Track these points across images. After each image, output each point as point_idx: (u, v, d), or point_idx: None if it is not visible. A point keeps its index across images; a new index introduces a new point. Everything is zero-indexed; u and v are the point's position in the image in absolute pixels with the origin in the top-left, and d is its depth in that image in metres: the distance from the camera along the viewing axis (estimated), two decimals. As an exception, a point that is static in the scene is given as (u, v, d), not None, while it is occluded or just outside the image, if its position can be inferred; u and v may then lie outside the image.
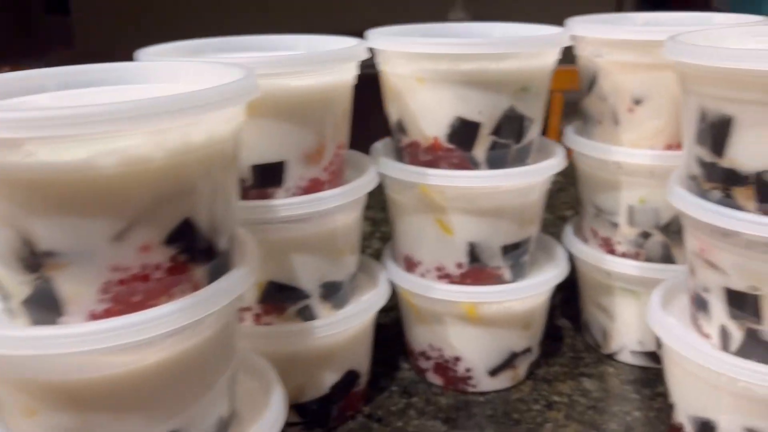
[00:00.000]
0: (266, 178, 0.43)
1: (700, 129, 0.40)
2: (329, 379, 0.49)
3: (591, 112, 0.55)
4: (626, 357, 0.58)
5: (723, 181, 0.39)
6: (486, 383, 0.54)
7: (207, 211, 0.31)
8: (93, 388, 0.29)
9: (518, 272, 0.53)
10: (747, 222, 0.38)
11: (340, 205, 0.45)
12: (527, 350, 0.55)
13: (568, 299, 0.67)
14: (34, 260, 0.28)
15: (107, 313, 0.29)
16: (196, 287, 0.31)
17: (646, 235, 0.54)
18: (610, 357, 0.59)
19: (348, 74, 0.46)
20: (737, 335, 0.41)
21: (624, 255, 0.55)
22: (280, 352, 0.47)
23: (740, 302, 0.41)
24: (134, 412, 0.30)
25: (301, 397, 0.49)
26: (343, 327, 0.47)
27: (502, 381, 0.55)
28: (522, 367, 0.55)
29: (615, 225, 0.55)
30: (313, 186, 0.45)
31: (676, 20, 0.58)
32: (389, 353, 0.60)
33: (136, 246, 0.28)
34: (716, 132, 0.38)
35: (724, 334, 0.42)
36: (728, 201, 0.39)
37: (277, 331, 0.46)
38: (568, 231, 0.61)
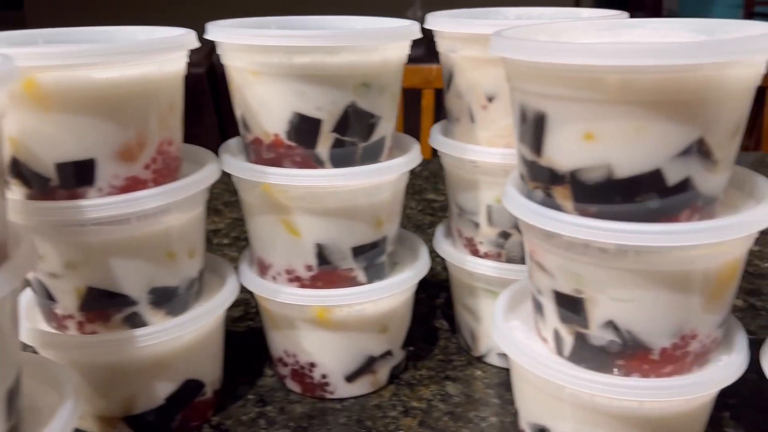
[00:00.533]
0: (73, 177, 0.40)
1: (521, 126, 0.38)
2: (163, 389, 0.46)
3: (451, 109, 0.53)
4: (494, 359, 0.56)
5: (544, 181, 0.38)
6: (344, 389, 0.52)
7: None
8: None
9: (375, 274, 0.51)
10: (563, 223, 0.36)
11: (166, 206, 0.43)
12: (387, 354, 0.53)
13: (450, 300, 0.65)
14: None
15: None
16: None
17: (505, 235, 0.53)
18: (480, 359, 0.57)
19: (174, 66, 0.43)
20: (568, 340, 0.40)
21: (486, 255, 0.54)
22: (104, 362, 0.44)
23: (568, 306, 0.39)
24: None
25: (133, 408, 0.46)
26: (172, 335, 0.44)
27: (361, 387, 0.53)
28: (382, 372, 0.54)
29: (476, 225, 0.54)
30: (132, 185, 0.42)
31: (546, 15, 0.57)
32: (255, 360, 0.58)
33: None
34: (534, 129, 0.37)
35: (558, 339, 0.41)
36: (549, 201, 0.38)
37: (96, 340, 0.43)
38: (439, 231, 0.59)
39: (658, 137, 0.33)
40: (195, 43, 0.44)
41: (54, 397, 0.38)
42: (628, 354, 0.38)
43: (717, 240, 0.34)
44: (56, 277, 0.43)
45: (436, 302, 0.68)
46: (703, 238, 0.34)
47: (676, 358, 0.38)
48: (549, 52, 0.33)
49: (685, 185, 0.35)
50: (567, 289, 0.39)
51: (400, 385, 0.55)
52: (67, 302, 0.43)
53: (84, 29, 0.49)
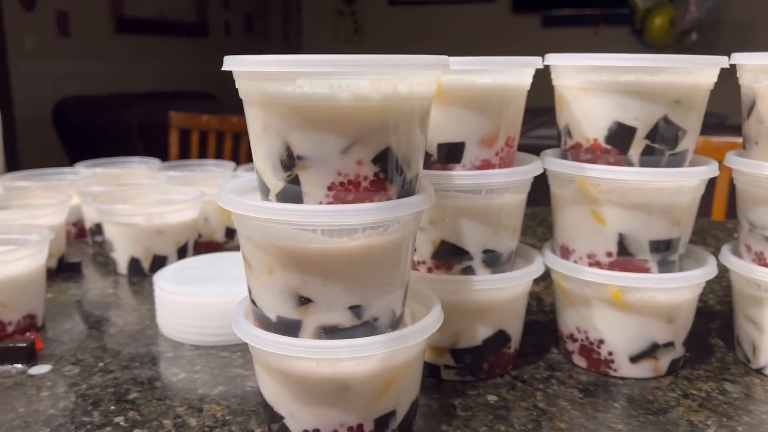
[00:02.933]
0: (449, 154, 0.55)
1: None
2: (482, 332, 0.58)
3: (749, 134, 0.60)
4: (775, 372, 0.59)
5: None
6: (627, 369, 0.60)
7: (401, 147, 0.44)
8: (312, 256, 0.43)
9: (665, 270, 0.59)
10: None
11: (504, 186, 0.56)
12: (669, 344, 0.60)
13: (727, 326, 0.69)
14: (290, 162, 0.42)
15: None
16: (389, 199, 0.43)
17: (798, 250, 0.57)
18: (759, 371, 0.61)
19: (522, 80, 0.57)
20: None
21: (776, 268, 0.58)
22: (443, 299, 0.57)
23: None
24: (335, 281, 0.43)
25: (458, 343, 0.58)
26: (497, 285, 0.57)
27: (643, 370, 0.60)
28: (663, 360, 0.60)
29: (767, 239, 0.59)
30: (485, 166, 0.56)
31: None
32: (542, 340, 0.68)
33: (354, 160, 0.42)
34: None
35: None
36: None
37: (441, 279, 0.57)
38: (725, 248, 0.64)
39: None
40: (539, 65, 0.57)
41: (421, 309, 0.52)
42: None
43: None
44: (422, 230, 0.58)
45: (711, 326, 0.72)
46: None
47: None
48: None
49: None
50: None
51: (678, 378, 0.60)
52: (424, 251, 0.58)
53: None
